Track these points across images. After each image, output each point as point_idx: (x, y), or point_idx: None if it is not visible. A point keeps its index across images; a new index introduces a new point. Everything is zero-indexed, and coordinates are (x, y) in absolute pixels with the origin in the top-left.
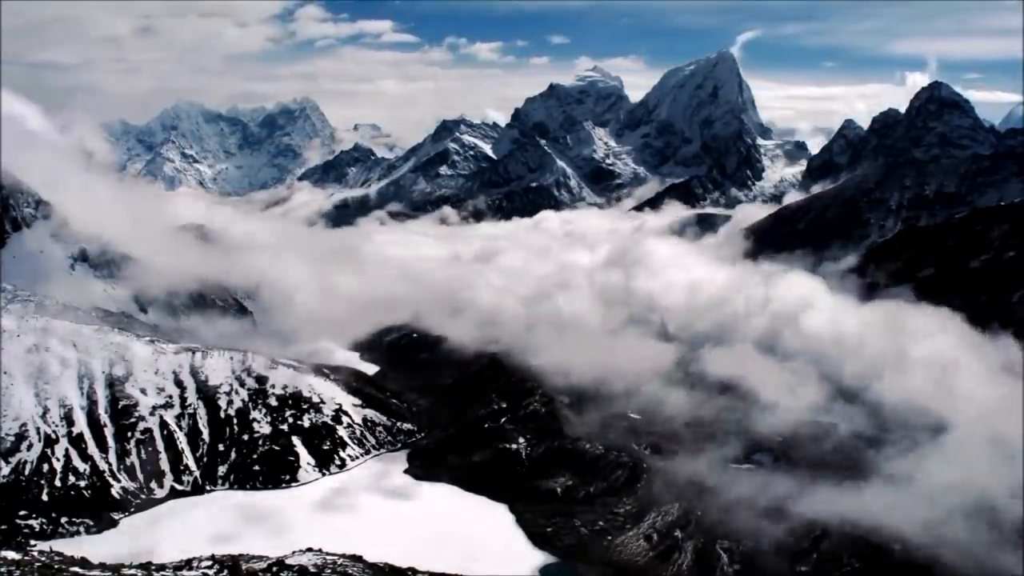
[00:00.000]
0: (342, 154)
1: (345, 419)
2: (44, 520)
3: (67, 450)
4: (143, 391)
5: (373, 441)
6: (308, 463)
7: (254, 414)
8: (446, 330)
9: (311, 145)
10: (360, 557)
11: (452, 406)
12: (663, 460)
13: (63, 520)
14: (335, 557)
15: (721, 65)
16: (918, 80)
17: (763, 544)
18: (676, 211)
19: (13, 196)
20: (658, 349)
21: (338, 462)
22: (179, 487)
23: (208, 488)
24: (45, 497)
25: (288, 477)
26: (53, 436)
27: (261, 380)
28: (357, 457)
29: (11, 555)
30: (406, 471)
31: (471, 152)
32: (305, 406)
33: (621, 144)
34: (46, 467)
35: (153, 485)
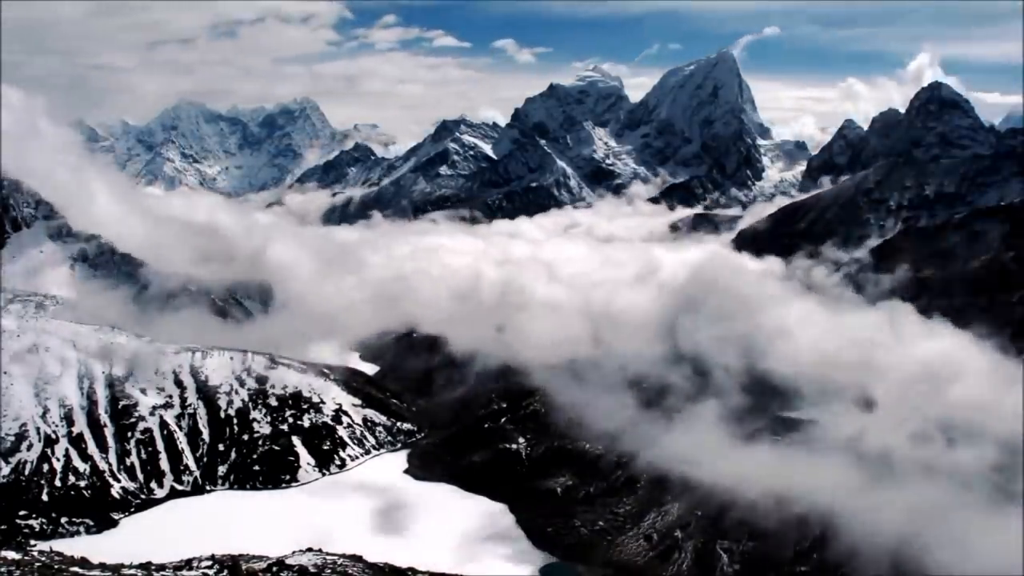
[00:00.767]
0: (342, 154)
1: (345, 419)
2: (44, 520)
3: (67, 450)
4: (143, 391)
5: (373, 441)
6: (308, 463)
7: (254, 414)
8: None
9: (311, 145)
10: (360, 557)
11: (452, 407)
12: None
13: (63, 520)
14: (335, 557)
15: (721, 65)
16: (922, 63)
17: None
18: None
19: (13, 196)
20: None
21: (338, 462)
22: (179, 487)
23: (208, 488)
24: (45, 497)
25: (288, 477)
26: (53, 436)
27: (261, 380)
28: (357, 457)
29: (11, 555)
30: (406, 471)
31: (471, 152)
32: (305, 406)
33: (621, 144)
34: (46, 467)
35: (153, 485)
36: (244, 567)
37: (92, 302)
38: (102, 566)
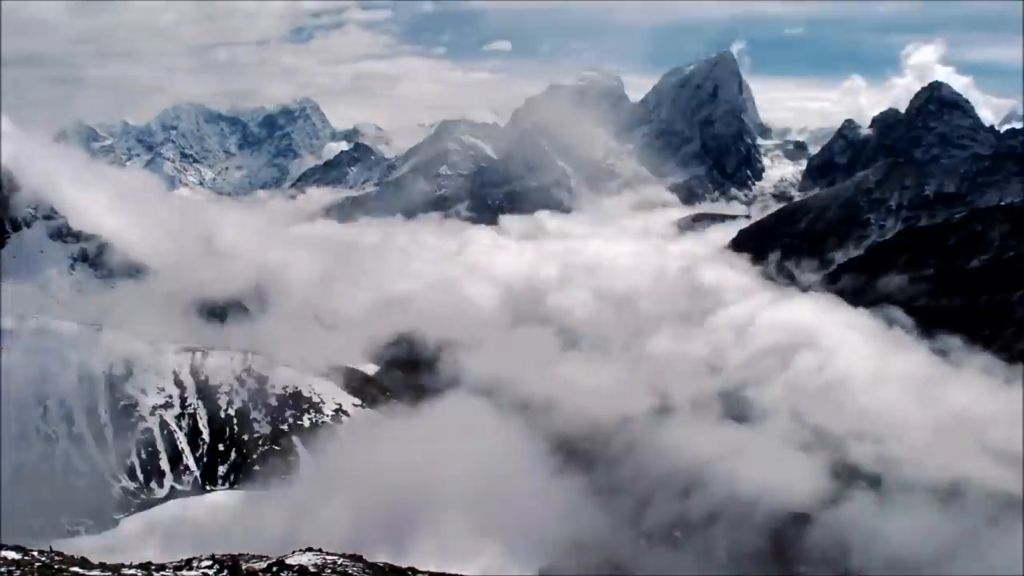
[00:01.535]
0: (342, 154)
1: (345, 419)
2: (44, 520)
3: (67, 450)
4: (143, 391)
5: None
6: (308, 463)
7: (254, 414)
8: None
9: (311, 145)
10: (360, 557)
11: None
12: None
13: (63, 520)
14: (335, 557)
15: (721, 65)
16: (924, 57)
17: None
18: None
19: (13, 196)
20: None
21: None
22: (179, 487)
23: (208, 488)
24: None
25: (288, 476)
26: (53, 436)
27: (261, 380)
28: None
29: (11, 555)
30: None
31: (471, 152)
32: (305, 406)
33: (621, 144)
34: (46, 467)
35: (153, 485)
36: (244, 567)
37: (92, 302)
38: (102, 566)
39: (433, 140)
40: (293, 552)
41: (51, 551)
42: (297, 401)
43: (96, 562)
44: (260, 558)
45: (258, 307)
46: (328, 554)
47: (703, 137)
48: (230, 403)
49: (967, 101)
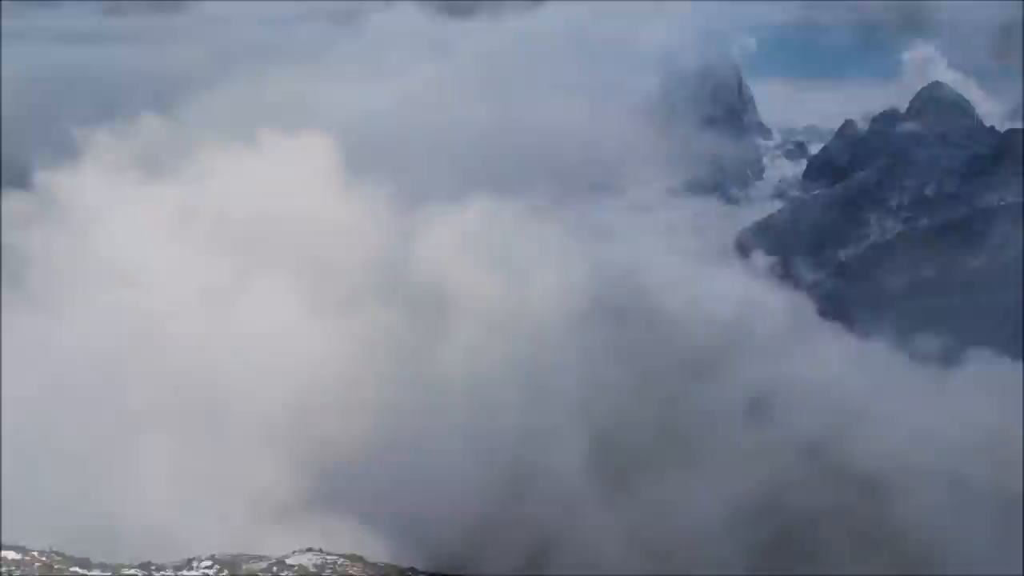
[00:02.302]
0: None
1: None
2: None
3: None
4: None
5: None
6: None
7: None
8: None
9: None
10: (360, 557)
11: None
12: None
13: None
14: (335, 557)
15: (721, 65)
16: (924, 57)
17: None
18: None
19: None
20: None
21: None
22: None
23: None
24: None
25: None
26: None
27: None
28: None
29: (11, 555)
30: None
31: None
32: None
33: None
34: None
35: None
36: (244, 567)
37: None
38: (102, 566)
39: None
40: (293, 552)
41: (51, 551)
42: None
43: (96, 562)
44: (260, 558)
45: None
46: (328, 554)
47: (703, 137)
48: None
49: (967, 101)
